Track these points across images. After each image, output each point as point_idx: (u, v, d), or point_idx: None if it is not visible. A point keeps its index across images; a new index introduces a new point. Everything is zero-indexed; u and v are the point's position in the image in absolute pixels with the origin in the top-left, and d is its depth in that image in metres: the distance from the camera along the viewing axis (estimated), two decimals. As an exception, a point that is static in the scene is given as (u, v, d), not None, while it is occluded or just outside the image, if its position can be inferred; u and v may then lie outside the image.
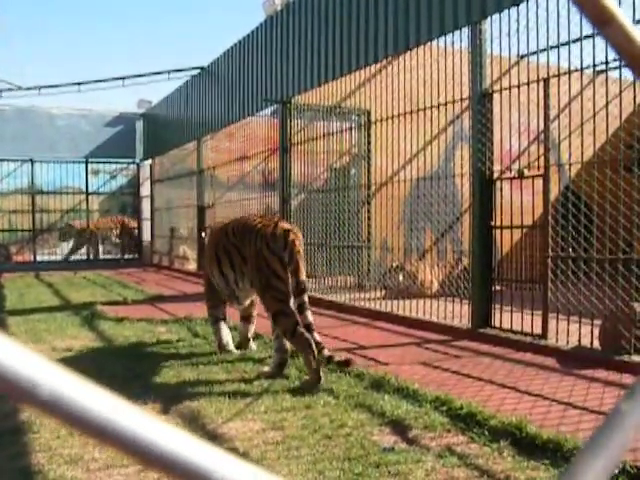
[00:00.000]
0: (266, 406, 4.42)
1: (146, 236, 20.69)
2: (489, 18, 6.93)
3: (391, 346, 6.61)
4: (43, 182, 19.65)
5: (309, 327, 4.94)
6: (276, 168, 11.74)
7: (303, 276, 5.15)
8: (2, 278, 15.61)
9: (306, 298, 5.06)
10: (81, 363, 6.01)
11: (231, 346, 6.07)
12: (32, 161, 19.25)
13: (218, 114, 14.07)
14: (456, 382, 5.03)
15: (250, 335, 6.36)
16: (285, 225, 5.42)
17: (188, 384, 5.05)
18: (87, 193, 20.15)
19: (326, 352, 4.88)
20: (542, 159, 6.54)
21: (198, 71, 15.43)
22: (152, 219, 20.24)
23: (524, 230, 7.15)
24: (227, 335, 6.09)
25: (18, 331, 7.84)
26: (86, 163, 19.88)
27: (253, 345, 6.26)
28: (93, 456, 3.58)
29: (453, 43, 7.43)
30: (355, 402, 4.45)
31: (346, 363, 4.89)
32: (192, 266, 16.54)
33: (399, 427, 3.94)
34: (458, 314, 7.60)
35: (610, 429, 0.40)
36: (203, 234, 15.45)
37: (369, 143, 10.34)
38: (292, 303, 5.19)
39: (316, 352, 4.89)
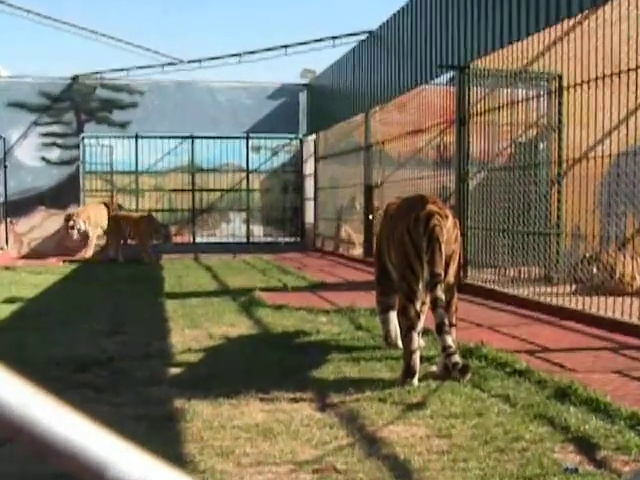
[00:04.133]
0: (432, 410, 4.42)
1: (309, 217, 21.18)
2: None
3: (581, 350, 6.35)
4: (203, 159, 20.72)
5: (440, 327, 4.87)
6: (452, 143, 11.60)
7: (439, 268, 5.08)
8: (161, 260, 16.71)
9: (440, 292, 4.98)
10: (236, 352, 6.32)
11: (399, 340, 6.11)
12: (192, 137, 20.35)
13: (388, 83, 14.10)
14: (659, 397, 4.74)
15: (418, 330, 6.35)
16: (432, 208, 5.35)
17: (348, 381, 5.15)
18: (248, 171, 20.99)
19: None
20: None
21: (365, 36, 15.52)
22: (315, 199, 20.70)
23: None
24: (396, 327, 6.13)
25: (175, 316, 8.38)
26: (247, 139, 20.68)
27: (421, 341, 6.26)
28: (245, 450, 3.76)
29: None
30: (534, 413, 4.33)
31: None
32: (358, 251, 16.76)
33: (585, 445, 3.78)
34: (665, 315, 7.14)
35: None
36: (370, 216, 15.60)
37: (560, 113, 9.91)
38: (424, 297, 5.35)
39: (417, 366, 5.13)
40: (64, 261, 16.51)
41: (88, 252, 17.40)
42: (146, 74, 18.78)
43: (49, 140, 19.03)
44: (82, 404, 4.57)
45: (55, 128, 19.08)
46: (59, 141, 19.14)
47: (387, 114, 15.45)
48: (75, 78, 19.17)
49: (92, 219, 17.42)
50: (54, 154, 19.08)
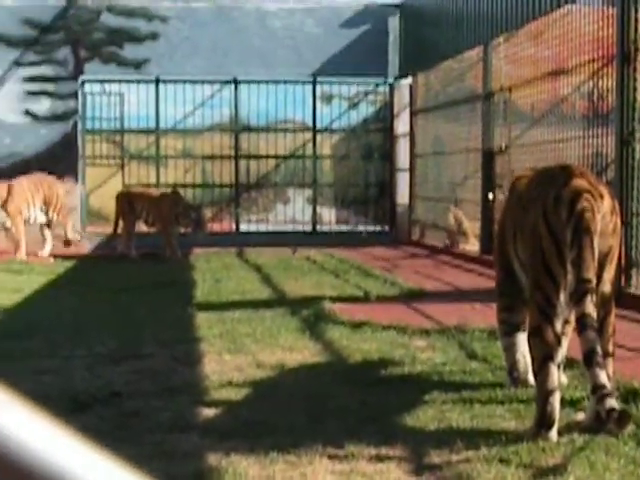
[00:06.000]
0: (577, 477, 4.39)
1: (402, 197, 21.05)
2: None
3: None
4: (251, 113, 20.83)
5: (590, 358, 4.77)
6: (612, 89, 11.41)
7: (589, 271, 4.96)
8: (191, 255, 16.88)
9: (591, 307, 4.87)
10: (295, 388, 6.36)
11: (530, 375, 6.08)
12: (236, 82, 20.47)
13: (516, 2, 13.95)
14: None
15: (559, 360, 6.30)
16: (580, 183, 5.24)
17: (455, 432, 5.14)
18: (314, 130, 21.04)
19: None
20: None
21: None
22: (412, 170, 20.59)
23: None
24: (525, 357, 6.08)
25: (210, 335, 8.49)
26: (313, 84, 20.73)
27: (563, 377, 6.22)
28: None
29: None
30: None
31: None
32: (472, 246, 16.64)
33: None
34: None
35: None
36: (491, 195, 15.47)
37: None
38: (567, 316, 5.30)
39: (556, 413, 5.08)
40: (55, 257, 16.78)
41: (45, 249, 17.32)
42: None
43: (36, 87, 19.40)
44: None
45: (44, 70, 19.43)
46: (50, 88, 19.50)
47: (516, 48, 15.26)
48: (72, 0, 19.49)
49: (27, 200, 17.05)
50: (43, 106, 19.45)
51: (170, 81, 20.17)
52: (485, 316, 8.61)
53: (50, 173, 18.48)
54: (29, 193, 17.01)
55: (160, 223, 16.94)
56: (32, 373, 6.89)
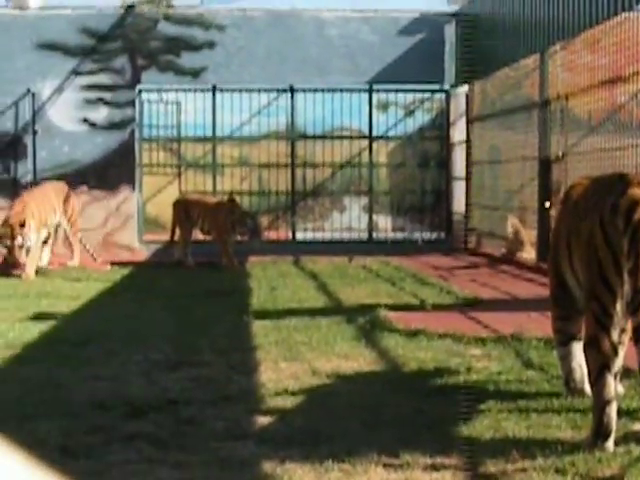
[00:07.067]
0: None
1: (458, 205, 20.97)
2: None
3: None
4: (307, 121, 20.86)
5: None
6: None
7: None
8: (248, 263, 16.98)
9: None
10: (351, 396, 6.38)
11: (586, 385, 6.04)
12: (292, 90, 20.53)
13: (573, 10, 13.87)
14: None
15: (615, 370, 6.25)
16: (637, 193, 5.09)
17: (511, 442, 5.12)
18: (370, 138, 21.00)
19: None
20: None
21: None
22: (468, 178, 20.51)
23: None
24: (582, 366, 6.05)
25: (266, 342, 8.54)
26: (370, 92, 20.70)
27: (620, 387, 6.17)
28: None
29: None
30: None
31: None
32: (529, 255, 16.55)
33: None
34: None
35: None
36: (547, 203, 15.38)
37: None
38: (623, 325, 5.22)
39: (612, 423, 5.03)
40: (112, 264, 16.93)
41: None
42: (228, 1, 19.08)
43: (93, 95, 19.56)
44: (136, 464, 4.76)
45: (102, 78, 19.59)
46: (107, 96, 19.65)
47: (573, 55, 15.17)
48: (130, 8, 19.68)
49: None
50: (100, 114, 19.60)
51: (227, 89, 20.29)
52: (541, 325, 8.54)
53: (107, 181, 18.84)
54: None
55: (216, 231, 17.01)
56: (88, 379, 7.00)
